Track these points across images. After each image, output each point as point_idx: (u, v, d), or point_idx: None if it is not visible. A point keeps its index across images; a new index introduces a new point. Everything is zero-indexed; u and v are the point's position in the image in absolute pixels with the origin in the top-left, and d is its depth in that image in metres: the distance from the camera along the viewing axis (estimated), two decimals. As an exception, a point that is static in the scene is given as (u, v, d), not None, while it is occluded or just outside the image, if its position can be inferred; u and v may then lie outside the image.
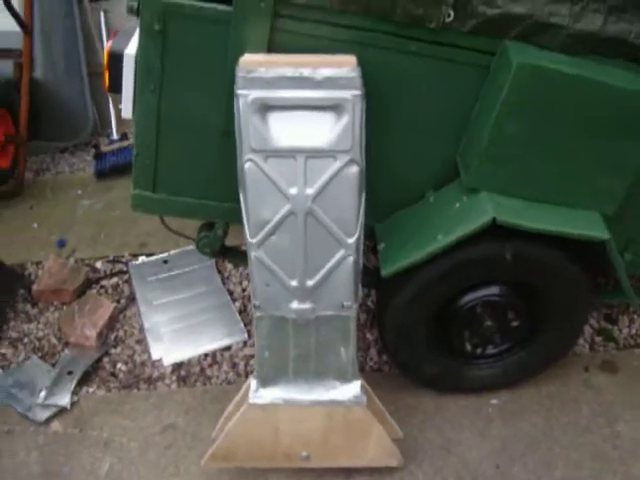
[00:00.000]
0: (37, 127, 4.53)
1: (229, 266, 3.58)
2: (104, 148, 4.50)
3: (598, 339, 3.09)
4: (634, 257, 2.64)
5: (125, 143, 4.50)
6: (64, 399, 2.91)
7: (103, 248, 3.83)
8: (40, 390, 2.94)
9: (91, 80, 4.67)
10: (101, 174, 4.44)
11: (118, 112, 4.55)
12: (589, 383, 2.89)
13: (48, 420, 2.85)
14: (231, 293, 3.42)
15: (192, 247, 3.56)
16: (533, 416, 2.76)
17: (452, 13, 2.06)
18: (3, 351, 3.21)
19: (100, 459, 2.70)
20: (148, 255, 3.71)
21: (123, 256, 3.74)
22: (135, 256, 3.73)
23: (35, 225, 4.08)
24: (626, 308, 3.22)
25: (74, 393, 2.95)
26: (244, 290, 3.43)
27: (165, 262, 3.64)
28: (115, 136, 4.63)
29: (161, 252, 3.72)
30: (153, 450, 2.71)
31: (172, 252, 3.70)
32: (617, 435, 2.68)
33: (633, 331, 3.13)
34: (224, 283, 3.48)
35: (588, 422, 2.73)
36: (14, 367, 3.11)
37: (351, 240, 2.13)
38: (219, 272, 3.55)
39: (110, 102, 4.59)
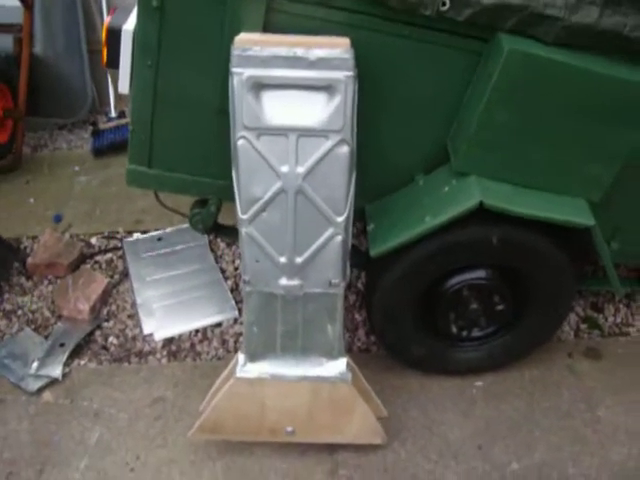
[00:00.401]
0: (36, 103, 4.56)
1: (222, 245, 3.63)
2: (102, 125, 4.52)
3: (583, 326, 3.13)
4: (621, 245, 2.68)
5: (123, 121, 4.52)
6: (56, 370, 2.95)
7: (98, 224, 3.87)
8: (32, 361, 2.99)
9: (90, 57, 4.69)
10: (98, 151, 4.47)
11: (117, 90, 4.54)
12: (572, 369, 2.93)
13: (40, 390, 2.90)
14: (223, 271, 3.46)
15: (186, 225, 3.59)
16: (516, 399, 2.81)
17: (447, 1, 2.07)
18: (-3, 322, 3.26)
19: (90, 429, 2.74)
20: (143, 232, 3.75)
21: (118, 232, 3.78)
22: (130, 233, 3.76)
23: (31, 200, 4.11)
24: (612, 297, 3.26)
25: (66, 365, 2.99)
26: (236, 269, 3.47)
27: (159, 239, 3.68)
28: (113, 114, 4.66)
29: (155, 229, 3.76)
30: (142, 421, 2.76)
31: (166, 230, 3.74)
32: (597, 420, 2.72)
33: (618, 320, 3.17)
34: (217, 261, 3.52)
35: (569, 407, 2.78)
36: (7, 338, 3.15)
37: (340, 219, 2.17)
38: (212, 251, 3.59)
39: (109, 80, 4.61)
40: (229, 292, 3.32)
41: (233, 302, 3.26)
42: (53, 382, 2.93)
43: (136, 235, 3.73)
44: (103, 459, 2.64)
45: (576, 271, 2.59)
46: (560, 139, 2.28)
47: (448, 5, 2.09)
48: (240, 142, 2.09)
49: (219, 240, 3.64)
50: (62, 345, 3.06)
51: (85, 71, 4.66)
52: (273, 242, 2.21)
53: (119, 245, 3.68)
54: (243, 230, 2.19)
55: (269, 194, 2.14)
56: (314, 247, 2.21)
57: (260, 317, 2.35)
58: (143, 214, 3.89)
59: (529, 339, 2.80)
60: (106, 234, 3.77)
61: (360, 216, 2.52)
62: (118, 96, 4.62)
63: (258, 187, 2.14)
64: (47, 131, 4.83)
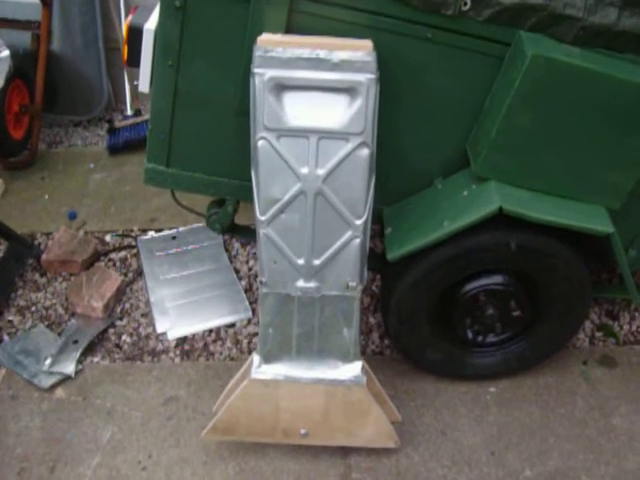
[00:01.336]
0: (52, 100, 4.59)
1: (236, 245, 3.62)
2: (118, 123, 4.53)
3: (598, 334, 3.11)
4: (639, 253, 2.67)
5: (139, 119, 4.52)
6: (69, 367, 2.95)
7: (113, 222, 3.87)
8: (45, 358, 2.99)
9: (107, 55, 4.71)
10: (114, 149, 4.47)
11: (133, 88, 4.59)
12: (587, 376, 2.91)
13: (52, 387, 2.90)
14: (237, 271, 3.46)
15: (201, 224, 3.64)
16: (530, 406, 2.79)
17: (469, 1, 2.09)
18: (11, 318, 3.26)
19: (102, 427, 2.74)
20: (157, 230, 3.75)
21: (132, 230, 3.78)
22: (144, 231, 3.77)
23: (46, 196, 4.12)
24: (628, 304, 3.24)
25: (79, 362, 2.99)
26: (250, 269, 3.47)
27: (174, 238, 3.68)
28: (129, 112, 4.66)
29: (170, 228, 3.76)
30: (154, 421, 2.76)
31: (181, 229, 3.74)
32: (612, 428, 2.70)
33: (634, 328, 3.15)
34: (231, 261, 3.52)
35: (584, 414, 2.76)
36: (21, 334, 3.16)
37: (359, 222, 2.16)
38: (226, 250, 3.59)
39: (125, 78, 4.62)
40: (243, 292, 3.31)
41: (247, 303, 3.25)
42: (66, 379, 2.94)
43: (150, 233, 3.73)
44: (115, 457, 2.64)
45: (592, 278, 2.57)
46: (581, 145, 2.27)
47: (469, 5, 2.09)
48: (260, 143, 2.09)
49: (233, 240, 3.63)
50: (75, 342, 3.07)
51: (102, 68, 4.68)
52: (291, 244, 2.20)
53: (133, 243, 3.68)
54: (261, 231, 2.19)
55: (288, 196, 2.13)
56: (332, 249, 2.21)
57: (276, 319, 2.34)
58: (158, 212, 3.89)
59: (544, 346, 2.78)
60: (120, 232, 3.77)
61: (376, 219, 2.51)
62: (134, 94, 4.63)
63: (277, 188, 2.13)
64: (62, 128, 4.85)
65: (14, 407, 2.84)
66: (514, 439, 2.67)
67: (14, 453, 2.66)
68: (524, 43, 2.10)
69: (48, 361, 2.97)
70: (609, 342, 3.08)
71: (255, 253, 3.55)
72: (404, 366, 2.91)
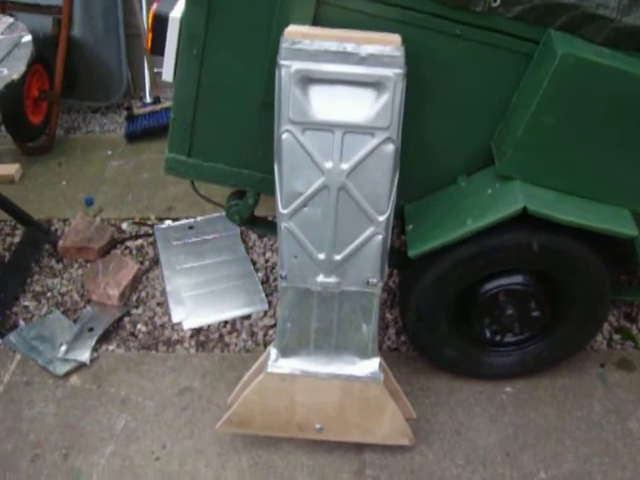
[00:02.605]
0: (71, 85, 4.58)
1: (253, 236, 3.61)
2: (136, 111, 4.52)
3: (616, 337, 3.08)
4: (661, 256, 2.64)
5: (157, 107, 4.51)
6: (84, 355, 2.95)
7: (130, 209, 3.87)
8: (61, 344, 2.99)
9: (127, 42, 4.70)
10: (132, 136, 4.47)
11: (152, 75, 4.58)
12: (604, 379, 2.89)
13: (67, 374, 2.90)
14: (254, 263, 3.45)
15: (218, 214, 3.63)
16: (546, 407, 2.77)
17: (499, -2, 2.07)
18: (26, 304, 3.27)
19: (116, 416, 2.74)
20: (174, 220, 3.74)
21: (149, 219, 3.77)
22: (161, 220, 3.76)
23: (64, 182, 4.12)
24: (647, 308, 3.22)
25: (94, 350, 2.99)
26: (267, 261, 3.46)
27: (191, 228, 3.67)
28: (148, 99, 4.64)
29: (187, 217, 3.75)
30: (169, 411, 2.75)
31: (198, 218, 3.73)
32: (629, 433, 2.68)
33: (652, 331, 3.13)
34: (248, 253, 3.51)
35: (600, 418, 2.74)
36: (36, 320, 3.16)
37: (382, 218, 2.14)
38: (243, 241, 3.58)
39: (145, 65, 4.60)
40: (259, 284, 3.30)
41: (263, 295, 3.24)
42: (81, 366, 2.94)
43: (167, 222, 3.72)
44: (128, 446, 2.63)
45: (613, 280, 2.55)
46: (608, 147, 2.24)
47: (499, 2, 2.07)
48: (284, 136, 2.07)
49: (250, 231, 3.62)
50: (91, 330, 3.07)
51: (122, 55, 4.67)
52: (312, 238, 2.19)
53: (150, 232, 3.68)
54: (283, 225, 2.17)
55: (311, 190, 2.11)
56: (353, 245, 2.19)
57: (295, 313, 2.32)
58: (175, 201, 3.88)
59: (562, 347, 2.75)
60: (137, 220, 3.77)
61: (398, 215, 2.49)
62: (153, 82, 4.61)
63: (300, 182, 2.11)
64: (80, 114, 4.85)
65: (28, 393, 2.84)
66: (529, 440, 2.65)
67: (27, 439, 2.67)
68: (554, 42, 2.07)
69: (63, 348, 2.97)
70: (627, 345, 3.05)
71: (272, 245, 3.53)
72: (419, 363, 2.89)
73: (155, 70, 4.50)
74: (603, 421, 2.73)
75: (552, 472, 2.55)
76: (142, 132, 4.45)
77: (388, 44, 2.01)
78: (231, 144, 2.43)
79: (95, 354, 2.99)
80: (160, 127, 4.37)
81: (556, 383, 2.86)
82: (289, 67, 2.01)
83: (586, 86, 2.10)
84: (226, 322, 3.14)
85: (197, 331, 3.10)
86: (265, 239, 3.58)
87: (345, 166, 2.08)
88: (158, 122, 4.41)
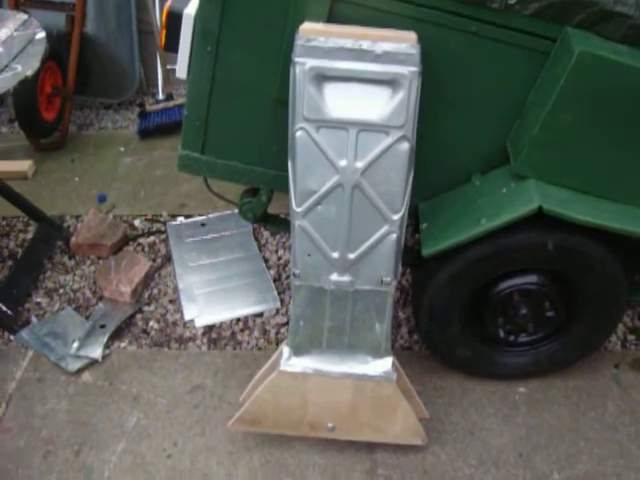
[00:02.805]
0: (84, 82, 4.59)
1: (266, 234, 3.60)
2: (149, 107, 4.51)
3: (631, 337, 3.05)
4: (676, 257, 2.62)
5: (170, 104, 4.50)
6: (96, 352, 2.95)
7: (142, 206, 3.87)
8: (73, 341, 2.99)
9: (140, 38, 4.69)
10: (144, 133, 4.47)
11: (165, 72, 4.57)
12: (618, 380, 2.86)
13: (79, 371, 2.91)
14: (266, 261, 3.44)
15: (230, 212, 3.63)
16: (559, 408, 2.75)
17: (515, -5, 2.05)
18: (39, 300, 3.27)
19: (128, 413, 2.74)
20: (186, 217, 3.74)
21: (161, 215, 3.77)
22: (173, 216, 3.76)
23: (76, 179, 4.13)
24: (661, 308, 3.19)
25: (106, 347, 2.99)
26: (279, 258, 3.45)
27: (203, 225, 3.66)
28: (161, 96, 4.63)
29: (199, 214, 3.75)
30: (180, 408, 2.75)
31: (210, 215, 3.73)
32: (643, 434, 2.67)
33: (667, 332, 3.10)
34: (260, 250, 3.50)
35: (614, 419, 2.72)
36: (49, 317, 3.17)
37: (396, 217, 2.13)
38: (256, 239, 3.57)
39: (158, 62, 4.59)
40: (272, 282, 3.29)
41: (275, 292, 3.23)
42: (93, 363, 2.94)
43: (180, 219, 3.72)
44: (140, 444, 2.63)
45: (628, 280, 2.52)
46: (625, 146, 2.21)
47: None
48: (299, 133, 2.06)
49: (262, 229, 3.61)
50: (103, 327, 3.07)
51: (134, 52, 4.67)
52: (326, 236, 2.17)
53: (162, 228, 3.67)
54: (296, 223, 2.16)
55: (325, 188, 2.10)
56: (368, 244, 2.17)
57: (308, 311, 2.31)
58: (187, 198, 3.88)
59: (576, 347, 2.73)
60: (150, 217, 3.76)
61: (412, 213, 2.48)
62: (166, 78, 4.61)
63: (314, 180, 2.10)
64: (93, 110, 4.85)
65: (41, 389, 2.84)
66: (543, 441, 2.63)
67: (40, 435, 2.67)
68: (571, 39, 2.05)
69: (75, 344, 2.97)
70: (642, 346, 3.03)
71: (285, 243, 3.53)
72: (432, 362, 2.88)
73: (168, 67, 4.49)
74: (617, 422, 2.70)
75: (565, 473, 2.53)
76: (155, 129, 4.44)
77: (403, 42, 1.99)
78: (245, 141, 2.42)
79: (107, 351, 2.99)
80: (173, 124, 4.36)
81: (570, 384, 2.84)
82: (304, 64, 1.99)
83: (603, 84, 2.07)
84: (238, 320, 3.13)
85: (209, 329, 3.09)
86: (277, 237, 3.57)
87: (359, 164, 2.06)
88: (171, 119, 4.41)
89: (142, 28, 4.69)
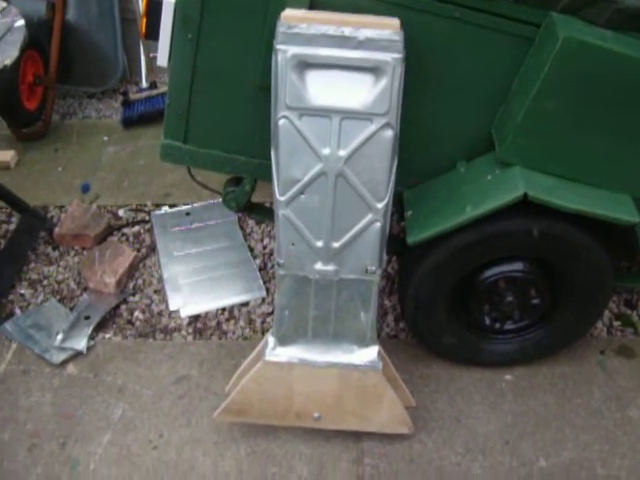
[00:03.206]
0: (66, 70, 4.54)
1: (251, 222, 3.58)
2: (132, 96, 4.48)
3: (616, 323, 3.06)
4: (662, 243, 2.62)
5: (154, 92, 4.48)
6: (80, 343, 2.93)
7: (126, 196, 3.84)
8: (57, 333, 2.97)
9: (123, 26, 4.64)
10: (128, 122, 4.43)
11: (148, 60, 4.53)
12: (604, 366, 2.87)
13: (64, 363, 2.88)
14: (252, 250, 3.42)
15: (215, 201, 3.61)
16: (545, 395, 2.75)
17: (499, -19, 2.03)
18: (22, 292, 3.24)
19: (113, 405, 2.72)
20: (171, 206, 3.72)
21: (146, 205, 3.74)
22: (158, 206, 3.74)
23: (59, 169, 4.10)
24: (646, 294, 3.20)
25: (90, 338, 2.97)
26: (265, 247, 3.43)
27: (187, 214, 3.64)
28: (144, 84, 4.60)
29: (184, 204, 3.73)
30: (166, 399, 2.73)
31: (195, 205, 3.71)
32: (629, 420, 2.66)
33: (652, 317, 3.11)
34: (245, 239, 3.48)
35: (600, 405, 2.72)
36: (33, 308, 3.14)
37: (380, 205, 2.11)
38: (241, 228, 3.55)
39: (141, 50, 4.55)
40: (257, 271, 3.28)
41: (261, 281, 3.22)
42: (77, 355, 2.92)
43: (164, 209, 3.69)
44: (126, 435, 2.62)
45: (614, 267, 2.52)
46: (610, 131, 2.21)
47: None
48: (281, 122, 2.04)
49: (249, 218, 3.59)
50: (87, 318, 3.04)
51: (117, 40, 4.63)
52: (310, 225, 2.16)
53: (147, 218, 3.65)
54: (280, 212, 2.14)
55: (309, 176, 2.08)
56: (352, 232, 2.16)
57: (292, 301, 2.30)
58: (172, 188, 3.86)
59: (562, 335, 2.73)
60: (134, 206, 3.74)
61: (396, 201, 2.46)
62: (149, 66, 4.57)
63: (298, 169, 2.08)
64: (76, 99, 4.82)
65: (25, 382, 2.82)
66: (529, 428, 2.64)
67: (24, 428, 2.64)
68: (555, 25, 2.03)
69: (60, 336, 2.94)
70: (627, 332, 3.03)
71: (270, 231, 3.51)
72: (418, 350, 2.87)
73: (151, 55, 4.46)
74: (603, 408, 2.71)
75: (552, 460, 2.53)
76: (138, 118, 4.41)
77: (387, 28, 1.97)
78: (227, 130, 2.40)
79: (92, 342, 2.97)
80: (157, 112, 4.33)
81: (556, 370, 2.84)
82: (286, 52, 1.97)
83: (588, 70, 2.06)
84: (224, 309, 3.11)
85: (194, 318, 3.08)
86: (263, 225, 3.55)
87: (343, 152, 2.04)
88: (154, 107, 4.38)
89: (125, 15, 4.65)
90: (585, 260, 2.43)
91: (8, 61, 2.78)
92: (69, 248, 3.47)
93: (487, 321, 2.69)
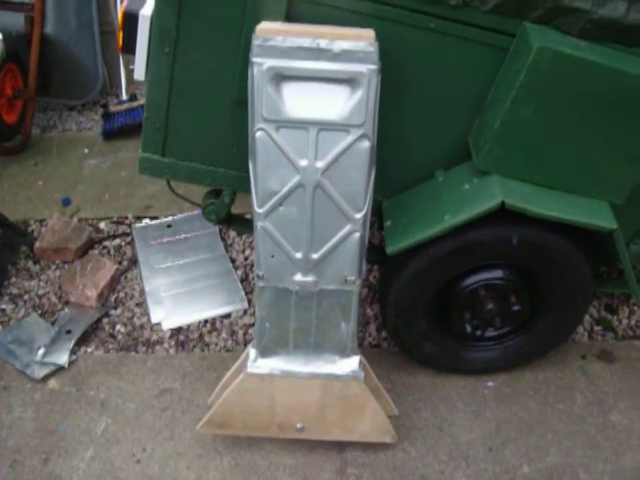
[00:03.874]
0: (46, 84, 4.52)
1: (232, 234, 3.58)
2: (113, 108, 4.46)
3: (597, 328, 3.08)
4: (640, 248, 2.64)
5: (134, 104, 4.46)
6: (62, 358, 2.91)
7: (107, 209, 3.83)
8: (39, 348, 2.95)
9: (102, 39, 4.63)
10: (108, 134, 4.42)
11: (128, 72, 4.52)
12: (585, 371, 2.89)
13: (45, 378, 2.87)
14: (233, 261, 3.42)
15: (196, 212, 3.60)
16: (528, 401, 2.77)
17: (473, -9, 2.05)
18: (3, 307, 3.22)
19: (96, 419, 2.71)
20: (152, 218, 3.71)
21: (127, 218, 3.73)
22: (139, 218, 3.72)
23: (40, 182, 4.07)
24: (627, 299, 3.21)
25: (72, 352, 2.96)
26: (246, 259, 3.43)
27: (169, 226, 3.63)
28: (124, 97, 4.58)
29: (165, 216, 3.71)
30: (149, 413, 2.72)
31: (176, 217, 3.70)
32: (611, 425, 2.68)
33: (633, 322, 3.12)
34: (227, 250, 3.48)
35: (582, 410, 2.74)
36: (14, 323, 3.12)
37: (358, 215, 2.12)
38: (222, 239, 3.55)
39: (121, 62, 4.54)
40: (239, 282, 3.28)
41: (243, 293, 3.22)
42: (59, 370, 2.91)
43: (145, 221, 3.68)
44: (109, 450, 2.61)
45: (593, 272, 2.54)
46: (586, 139, 2.23)
47: None
48: (258, 134, 2.04)
49: (230, 229, 3.58)
50: (69, 332, 3.03)
51: (97, 52, 4.60)
52: (289, 237, 2.16)
53: (128, 231, 3.64)
54: (259, 224, 2.15)
55: (287, 188, 2.08)
56: (331, 243, 2.16)
57: (273, 313, 2.30)
58: (153, 200, 3.84)
59: (544, 341, 2.75)
60: (115, 219, 3.73)
61: (375, 211, 2.47)
62: (129, 79, 4.56)
63: (275, 181, 2.08)
64: (56, 112, 4.79)
65: (6, 398, 2.80)
66: (512, 434, 2.65)
67: (6, 445, 2.63)
68: (529, 35, 2.05)
69: (41, 351, 2.93)
70: (608, 337, 3.05)
71: (251, 243, 3.51)
72: (401, 359, 2.88)
73: (131, 67, 4.42)
74: (585, 413, 2.73)
75: (535, 466, 2.55)
76: (119, 130, 4.40)
77: (362, 39, 1.98)
78: (205, 143, 2.40)
79: (74, 357, 2.95)
80: (137, 125, 4.31)
81: (538, 376, 2.85)
82: (261, 65, 1.97)
83: (562, 79, 2.08)
84: (206, 321, 3.11)
85: (177, 331, 3.07)
86: (244, 237, 3.55)
87: (320, 164, 2.05)
88: (135, 119, 4.36)
89: (104, 28, 4.63)
90: (564, 266, 2.45)
91: (-15, 75, 2.77)
92: (50, 262, 3.45)
93: (468, 329, 2.70)
